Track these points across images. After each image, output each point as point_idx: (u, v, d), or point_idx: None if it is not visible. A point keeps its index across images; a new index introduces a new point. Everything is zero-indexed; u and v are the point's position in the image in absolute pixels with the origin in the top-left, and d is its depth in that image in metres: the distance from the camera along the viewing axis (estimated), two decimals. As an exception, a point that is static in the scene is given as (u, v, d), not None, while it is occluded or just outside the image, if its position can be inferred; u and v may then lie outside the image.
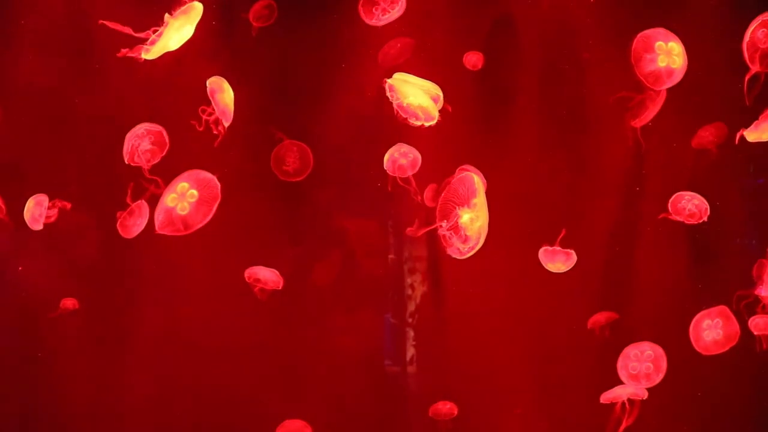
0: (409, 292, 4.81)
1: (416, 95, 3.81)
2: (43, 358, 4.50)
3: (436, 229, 4.49)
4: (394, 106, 3.76)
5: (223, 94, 3.81)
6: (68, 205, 4.15)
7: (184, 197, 3.73)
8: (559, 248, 4.14)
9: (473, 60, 4.39)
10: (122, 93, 4.34)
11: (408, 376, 4.77)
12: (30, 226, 4.13)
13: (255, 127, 4.42)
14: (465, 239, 3.72)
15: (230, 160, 4.10)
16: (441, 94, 3.82)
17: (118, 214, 3.98)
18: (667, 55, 3.61)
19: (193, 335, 4.50)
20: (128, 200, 3.93)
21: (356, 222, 4.74)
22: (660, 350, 4.09)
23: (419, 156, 4.25)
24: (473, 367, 4.60)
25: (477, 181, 3.65)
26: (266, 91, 4.47)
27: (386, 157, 4.24)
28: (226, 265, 4.44)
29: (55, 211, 4.10)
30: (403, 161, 4.20)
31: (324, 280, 4.67)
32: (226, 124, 3.83)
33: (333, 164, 4.60)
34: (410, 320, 4.80)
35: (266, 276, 4.32)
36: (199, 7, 3.70)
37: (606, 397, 4.09)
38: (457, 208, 3.66)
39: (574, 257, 4.16)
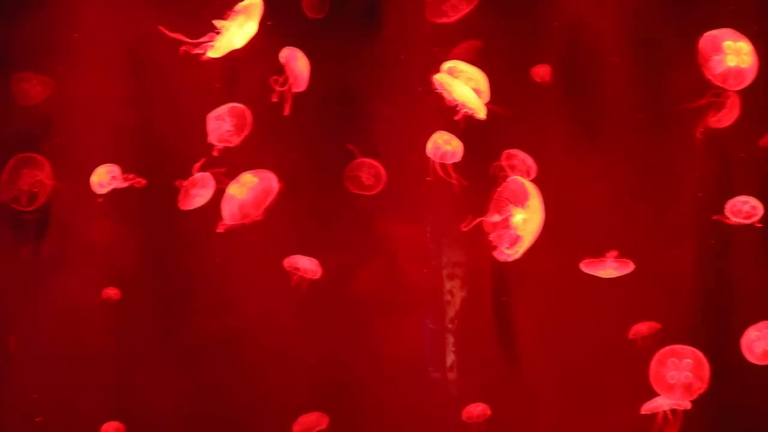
0: (448, 297, 4.80)
1: (462, 90, 3.87)
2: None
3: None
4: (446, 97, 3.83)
5: (297, 62, 3.90)
6: (143, 182, 4.21)
7: (245, 185, 3.78)
8: (610, 256, 4.12)
9: (541, 72, 4.41)
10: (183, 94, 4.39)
11: (448, 382, 4.74)
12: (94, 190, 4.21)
13: (315, 126, 4.46)
14: (515, 240, 3.71)
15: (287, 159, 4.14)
16: (485, 88, 3.88)
17: (178, 183, 4.01)
18: (736, 54, 3.60)
19: (237, 338, 4.52)
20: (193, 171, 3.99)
21: (397, 228, 4.73)
22: (701, 358, 4.03)
23: (461, 145, 4.22)
24: (511, 373, 4.60)
25: (530, 185, 3.68)
26: (318, 89, 4.41)
27: (429, 144, 4.21)
28: (268, 268, 4.46)
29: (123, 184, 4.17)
30: (447, 147, 4.17)
31: (365, 286, 4.67)
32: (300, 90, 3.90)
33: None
34: (450, 326, 4.79)
35: (305, 265, 4.35)
36: (258, 3, 3.74)
37: (647, 408, 4.06)
38: (511, 206, 3.67)
39: (630, 265, 4.14)
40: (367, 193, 4.45)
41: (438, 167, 4.22)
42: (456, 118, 3.94)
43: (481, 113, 3.90)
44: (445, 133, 4.18)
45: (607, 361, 4.47)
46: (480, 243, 4.49)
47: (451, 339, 4.76)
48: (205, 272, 4.50)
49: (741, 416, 4.39)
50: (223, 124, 4.05)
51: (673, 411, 4.06)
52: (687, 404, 4.03)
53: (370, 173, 4.42)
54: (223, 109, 4.07)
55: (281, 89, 3.99)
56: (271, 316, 4.52)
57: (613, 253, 4.20)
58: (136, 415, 4.40)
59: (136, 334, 4.48)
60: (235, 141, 4.06)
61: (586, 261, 4.22)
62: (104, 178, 4.20)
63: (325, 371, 4.58)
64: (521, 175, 4.00)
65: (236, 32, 3.76)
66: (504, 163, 4.25)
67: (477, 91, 3.94)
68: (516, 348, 4.62)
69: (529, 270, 4.23)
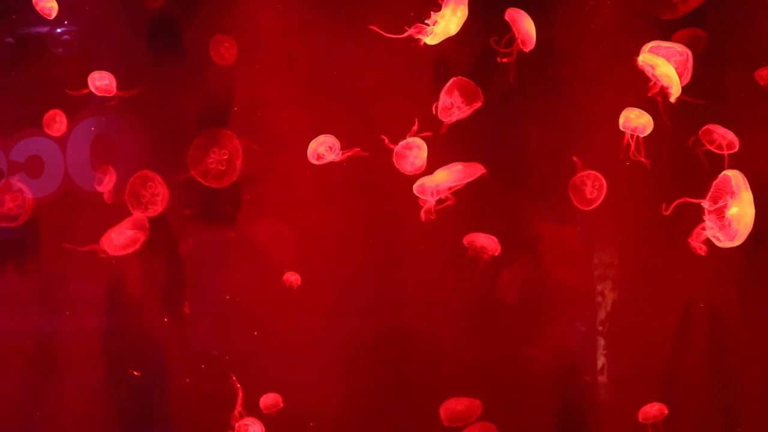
0: (599, 299, 4.68)
1: (667, 68, 3.84)
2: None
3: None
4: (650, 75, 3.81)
5: (522, 20, 3.90)
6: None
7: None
8: None
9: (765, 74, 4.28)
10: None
11: (599, 386, 4.62)
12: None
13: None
14: (728, 231, 3.64)
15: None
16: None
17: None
18: None
19: (389, 339, 4.50)
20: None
21: (548, 228, 4.63)
22: None
23: (651, 120, 4.08)
24: (668, 379, 4.46)
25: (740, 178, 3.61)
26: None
27: (621, 118, 4.09)
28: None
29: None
30: (639, 121, 4.04)
31: (515, 288, 4.58)
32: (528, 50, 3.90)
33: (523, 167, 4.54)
34: (600, 328, 4.66)
35: (484, 242, 4.31)
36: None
37: None
38: (728, 196, 3.60)
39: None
40: (586, 208, 4.32)
41: (630, 142, 4.10)
42: (650, 94, 3.90)
43: (676, 94, 3.84)
44: (636, 108, 4.07)
45: None
46: (634, 243, 4.50)
47: (601, 342, 4.65)
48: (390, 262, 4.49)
49: None
50: (449, 98, 4.05)
51: None
52: None
53: (594, 186, 4.28)
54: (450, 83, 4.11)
55: (506, 51, 3.95)
56: (432, 316, 4.48)
57: None
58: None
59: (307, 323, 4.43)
60: (465, 112, 4.05)
61: None
62: (321, 149, 4.17)
63: (475, 373, 4.49)
64: (720, 151, 4.00)
65: (451, 19, 3.83)
66: (703, 138, 4.13)
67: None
68: (669, 350, 4.50)
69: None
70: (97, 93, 4.32)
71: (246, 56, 4.45)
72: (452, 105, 4.14)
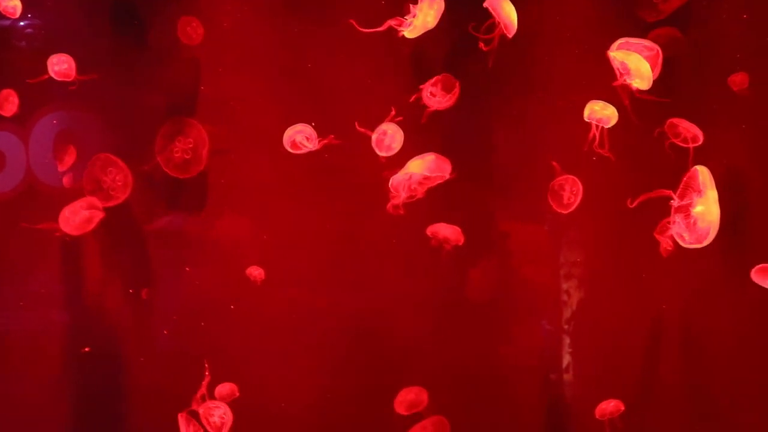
0: (565, 298, 4.69)
1: (640, 63, 3.87)
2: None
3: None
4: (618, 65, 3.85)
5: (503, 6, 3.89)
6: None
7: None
8: None
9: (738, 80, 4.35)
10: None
11: (564, 384, 4.63)
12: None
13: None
14: (694, 230, 3.64)
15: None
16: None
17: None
18: None
19: (354, 336, 4.47)
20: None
21: (515, 227, 4.65)
22: None
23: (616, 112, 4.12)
24: (632, 378, 4.49)
25: (707, 176, 3.61)
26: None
27: (585, 111, 4.12)
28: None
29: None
30: (604, 113, 4.08)
31: (481, 287, 4.60)
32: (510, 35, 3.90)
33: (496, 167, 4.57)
34: (566, 327, 4.66)
35: (447, 233, 4.32)
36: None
37: None
38: (694, 194, 3.61)
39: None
40: (564, 212, 4.35)
41: (596, 134, 4.13)
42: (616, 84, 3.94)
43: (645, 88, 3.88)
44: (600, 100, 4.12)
45: (752, 368, 4.38)
46: (600, 241, 4.52)
47: (567, 340, 4.65)
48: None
49: None
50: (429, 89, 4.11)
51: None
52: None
53: (572, 191, 4.29)
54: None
55: (487, 37, 3.94)
56: (398, 313, 4.47)
57: None
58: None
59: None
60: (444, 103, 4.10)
61: (759, 267, 4.08)
62: (299, 138, 4.17)
63: (441, 369, 4.49)
64: (686, 144, 4.04)
65: (428, 12, 3.87)
66: (668, 131, 4.17)
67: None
68: (638, 352, 4.51)
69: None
70: (56, 78, 4.26)
71: (213, 43, 4.42)
72: (433, 95, 4.17)
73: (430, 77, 4.19)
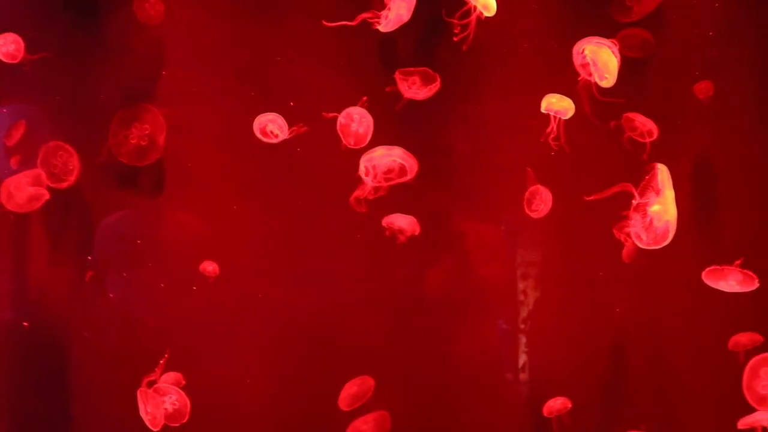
0: (522, 297, 4.71)
1: (609, 58, 3.95)
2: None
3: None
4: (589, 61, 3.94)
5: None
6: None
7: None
8: (734, 268, 4.05)
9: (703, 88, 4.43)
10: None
11: (520, 384, 4.67)
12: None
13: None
14: (650, 230, 3.69)
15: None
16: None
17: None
18: None
19: (308, 331, 4.47)
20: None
21: (472, 226, 4.67)
22: None
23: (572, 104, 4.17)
24: (588, 379, 4.54)
25: (666, 175, 3.67)
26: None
27: (543, 103, 4.17)
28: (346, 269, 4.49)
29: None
30: (562, 104, 4.14)
31: (438, 286, 4.62)
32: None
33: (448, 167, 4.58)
34: (522, 326, 4.70)
35: (402, 224, 4.35)
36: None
37: (744, 422, 3.99)
38: (652, 193, 3.65)
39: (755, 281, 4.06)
40: (536, 216, 4.42)
41: (553, 124, 4.17)
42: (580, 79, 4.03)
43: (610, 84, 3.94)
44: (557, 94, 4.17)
45: (703, 370, 4.44)
46: (556, 241, 4.57)
47: (523, 339, 4.69)
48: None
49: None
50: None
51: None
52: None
53: (542, 200, 4.37)
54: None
55: (462, 22, 3.98)
56: (353, 309, 4.49)
57: (738, 262, 4.11)
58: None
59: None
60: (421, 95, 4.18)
61: (709, 269, 4.11)
62: (271, 126, 4.16)
63: (395, 367, 4.50)
64: (642, 139, 4.13)
65: (401, 4, 3.89)
66: (625, 125, 4.24)
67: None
68: (593, 351, 4.56)
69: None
70: (3, 59, 4.19)
71: (174, 22, 4.38)
72: (410, 87, 4.20)
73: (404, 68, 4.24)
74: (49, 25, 4.32)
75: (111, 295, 4.40)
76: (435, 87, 4.19)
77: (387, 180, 4.16)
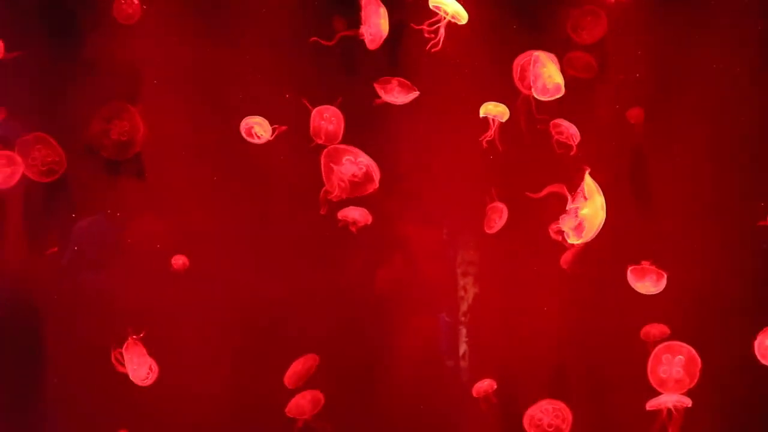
0: (462, 293, 5.01)
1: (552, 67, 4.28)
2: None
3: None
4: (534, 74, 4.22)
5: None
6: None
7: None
8: (649, 267, 4.42)
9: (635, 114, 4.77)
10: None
11: (461, 371, 4.95)
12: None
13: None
14: (580, 230, 3.98)
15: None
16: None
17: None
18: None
19: (265, 333, 4.66)
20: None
21: (417, 229, 4.95)
22: (694, 355, 4.30)
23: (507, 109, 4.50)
24: (521, 366, 4.84)
25: (591, 184, 3.95)
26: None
27: (481, 110, 4.48)
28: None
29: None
30: (498, 110, 4.47)
31: (386, 282, 4.87)
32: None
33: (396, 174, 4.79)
34: (463, 319, 5.00)
35: (356, 215, 4.60)
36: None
37: (651, 404, 4.29)
38: (582, 198, 3.94)
39: (664, 280, 4.42)
40: (492, 232, 4.70)
41: (492, 127, 4.48)
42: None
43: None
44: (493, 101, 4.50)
45: (616, 357, 4.73)
46: (493, 242, 4.84)
47: (463, 331, 4.97)
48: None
49: (743, 416, 4.69)
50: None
51: (676, 408, 4.29)
52: (688, 402, 4.27)
53: (500, 216, 4.67)
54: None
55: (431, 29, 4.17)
56: (298, 314, 4.68)
57: (647, 262, 4.48)
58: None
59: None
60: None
61: (633, 268, 4.47)
62: (257, 129, 4.28)
63: (344, 358, 4.73)
64: (569, 141, 4.46)
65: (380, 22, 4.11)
66: (552, 130, 4.57)
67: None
68: (527, 341, 4.85)
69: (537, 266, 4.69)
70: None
71: (150, 22, 4.48)
72: (388, 92, 4.45)
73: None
74: (26, 25, 4.40)
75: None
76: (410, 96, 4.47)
77: (352, 185, 4.35)
